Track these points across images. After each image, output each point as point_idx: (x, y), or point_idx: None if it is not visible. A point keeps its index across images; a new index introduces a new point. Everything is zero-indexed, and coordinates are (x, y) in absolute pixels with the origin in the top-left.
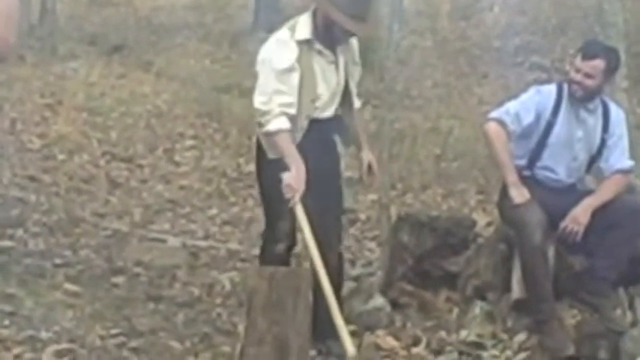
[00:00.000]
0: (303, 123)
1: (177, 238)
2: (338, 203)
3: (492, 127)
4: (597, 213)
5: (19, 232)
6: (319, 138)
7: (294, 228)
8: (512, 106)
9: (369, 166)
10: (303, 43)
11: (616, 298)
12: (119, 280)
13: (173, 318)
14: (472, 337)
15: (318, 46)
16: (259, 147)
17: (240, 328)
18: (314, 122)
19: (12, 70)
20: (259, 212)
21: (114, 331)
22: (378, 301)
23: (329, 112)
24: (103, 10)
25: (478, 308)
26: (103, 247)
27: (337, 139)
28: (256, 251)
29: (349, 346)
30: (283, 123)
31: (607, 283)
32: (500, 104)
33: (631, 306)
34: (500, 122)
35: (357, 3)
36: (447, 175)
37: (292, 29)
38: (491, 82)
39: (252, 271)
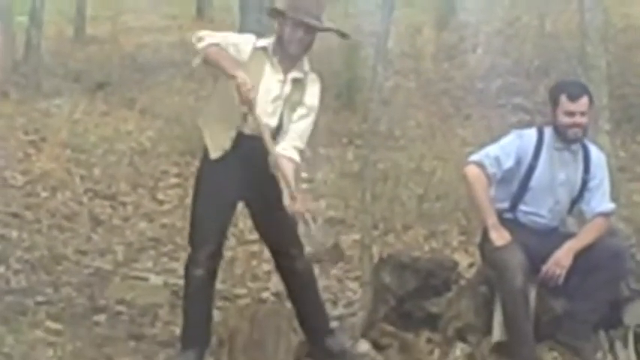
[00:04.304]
0: (236, 119)
1: (160, 277)
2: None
3: (472, 170)
4: (579, 256)
5: (1, 269)
6: (248, 153)
7: (225, 230)
8: (492, 149)
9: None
10: (260, 49)
11: (597, 341)
12: (101, 318)
13: (154, 357)
14: None
15: (271, 56)
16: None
17: None
18: (246, 138)
19: None
20: (241, 251)
21: None
22: (363, 346)
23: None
24: (88, 48)
25: (459, 350)
26: (85, 285)
27: None
28: (238, 290)
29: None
30: (213, 39)
31: (588, 326)
32: (483, 146)
33: (611, 349)
34: (480, 165)
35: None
36: (429, 216)
37: (258, 39)
38: (475, 123)
39: (234, 310)
